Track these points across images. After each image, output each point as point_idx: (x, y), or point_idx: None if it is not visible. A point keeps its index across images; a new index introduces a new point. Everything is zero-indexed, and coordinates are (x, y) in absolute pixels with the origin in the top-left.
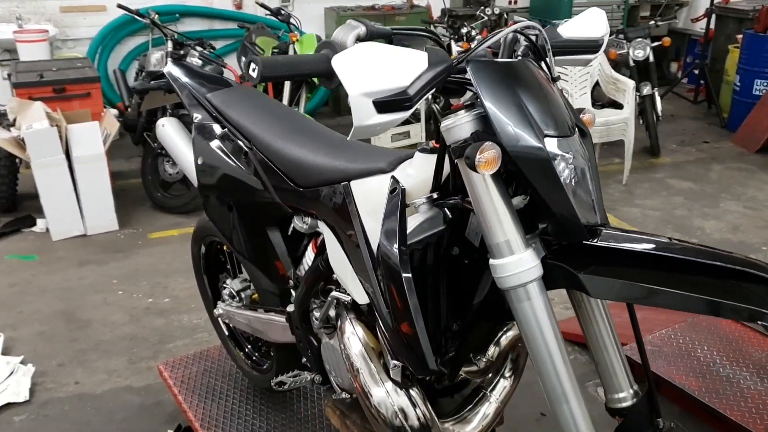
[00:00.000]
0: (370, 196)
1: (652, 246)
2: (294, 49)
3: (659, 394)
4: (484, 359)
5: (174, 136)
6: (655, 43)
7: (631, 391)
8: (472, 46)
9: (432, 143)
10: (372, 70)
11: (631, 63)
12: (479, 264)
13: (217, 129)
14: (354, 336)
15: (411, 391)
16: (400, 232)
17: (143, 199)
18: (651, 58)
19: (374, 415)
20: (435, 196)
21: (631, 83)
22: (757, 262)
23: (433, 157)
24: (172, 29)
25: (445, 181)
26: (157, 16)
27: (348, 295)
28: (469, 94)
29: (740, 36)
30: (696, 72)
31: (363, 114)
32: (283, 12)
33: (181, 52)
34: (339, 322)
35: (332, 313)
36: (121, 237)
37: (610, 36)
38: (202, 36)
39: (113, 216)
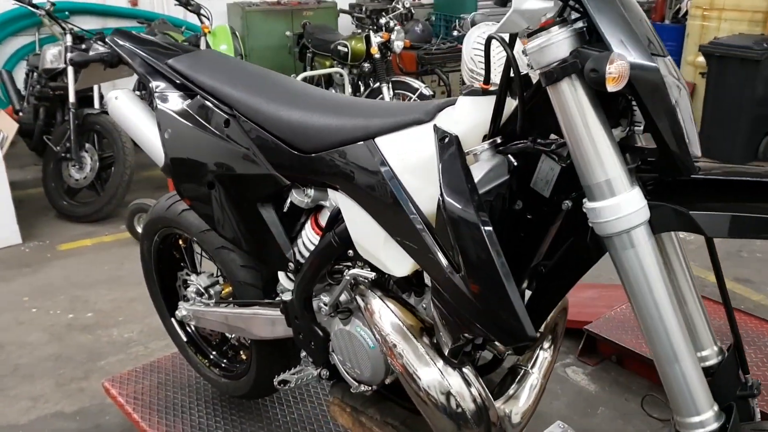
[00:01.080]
0: (405, 152)
1: (758, 174)
2: (206, 41)
3: (624, 370)
4: None
5: (131, 109)
6: None
7: (716, 348)
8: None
9: (479, 85)
10: None
11: None
12: (549, 217)
13: (185, 97)
14: (389, 313)
15: (464, 369)
16: (468, 183)
17: (47, 208)
18: None
19: (423, 399)
20: (499, 140)
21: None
22: None
23: (483, 100)
24: (71, 23)
25: (503, 126)
26: (52, 7)
27: (370, 271)
28: (551, 8)
29: None
30: None
31: None
32: (192, 3)
33: (83, 46)
34: (363, 303)
35: (343, 297)
36: (26, 251)
37: None
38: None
39: (15, 228)
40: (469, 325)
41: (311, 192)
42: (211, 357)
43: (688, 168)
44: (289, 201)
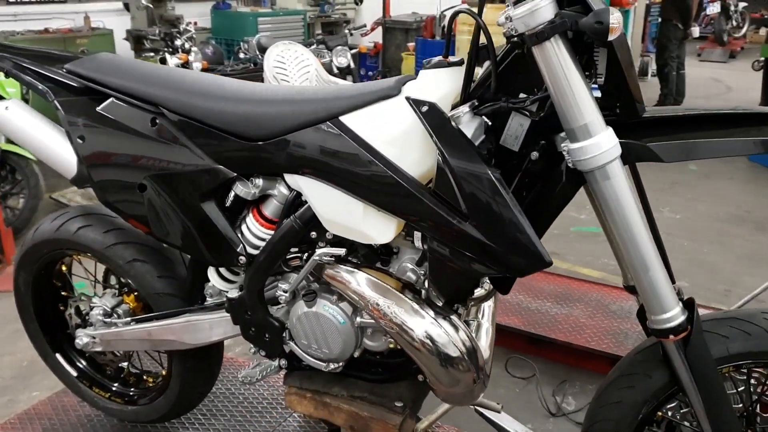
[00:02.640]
0: (380, 125)
1: (693, 109)
2: None
3: None
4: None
5: (26, 119)
6: (353, 50)
7: None
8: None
9: (438, 58)
10: None
11: (335, 70)
12: (516, 170)
13: (93, 101)
14: (370, 279)
15: (452, 317)
16: (465, 139)
17: None
18: (352, 65)
19: (418, 348)
20: (476, 103)
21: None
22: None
23: (447, 71)
24: None
25: (472, 91)
26: None
27: (339, 248)
28: None
29: (411, 44)
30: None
31: None
32: None
33: None
34: (335, 278)
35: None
36: None
37: (310, 47)
38: None
39: None
40: (482, 267)
41: (259, 182)
42: (114, 388)
43: (642, 108)
44: (233, 194)
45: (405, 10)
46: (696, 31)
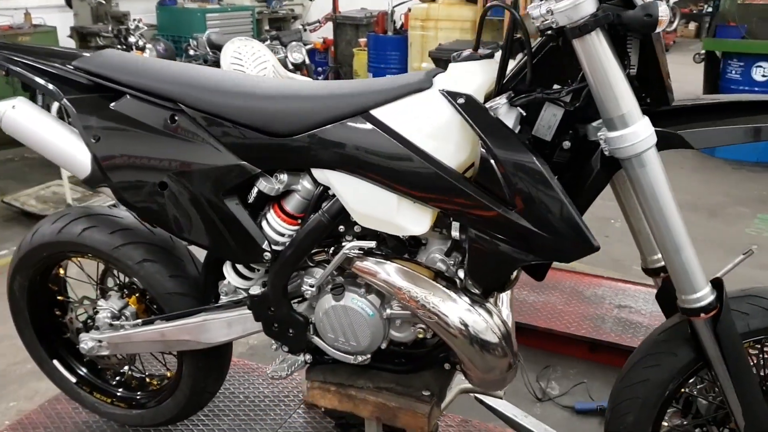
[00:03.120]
0: (415, 118)
1: (712, 100)
2: None
3: None
4: None
5: (35, 118)
6: (308, 46)
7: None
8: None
9: (468, 51)
10: None
11: (290, 66)
12: (549, 159)
13: (106, 99)
14: (402, 270)
15: (487, 303)
16: (507, 129)
17: None
18: (307, 61)
19: (456, 335)
20: (513, 95)
21: (309, 80)
22: None
23: (478, 64)
24: None
25: (506, 83)
26: None
27: (368, 241)
28: None
29: (363, 40)
30: (331, 75)
31: None
32: None
33: None
34: (366, 271)
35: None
36: None
37: (264, 42)
38: None
39: None
40: (527, 255)
41: (284, 177)
42: (119, 394)
43: (672, 98)
44: (255, 190)
45: (354, 5)
46: None
